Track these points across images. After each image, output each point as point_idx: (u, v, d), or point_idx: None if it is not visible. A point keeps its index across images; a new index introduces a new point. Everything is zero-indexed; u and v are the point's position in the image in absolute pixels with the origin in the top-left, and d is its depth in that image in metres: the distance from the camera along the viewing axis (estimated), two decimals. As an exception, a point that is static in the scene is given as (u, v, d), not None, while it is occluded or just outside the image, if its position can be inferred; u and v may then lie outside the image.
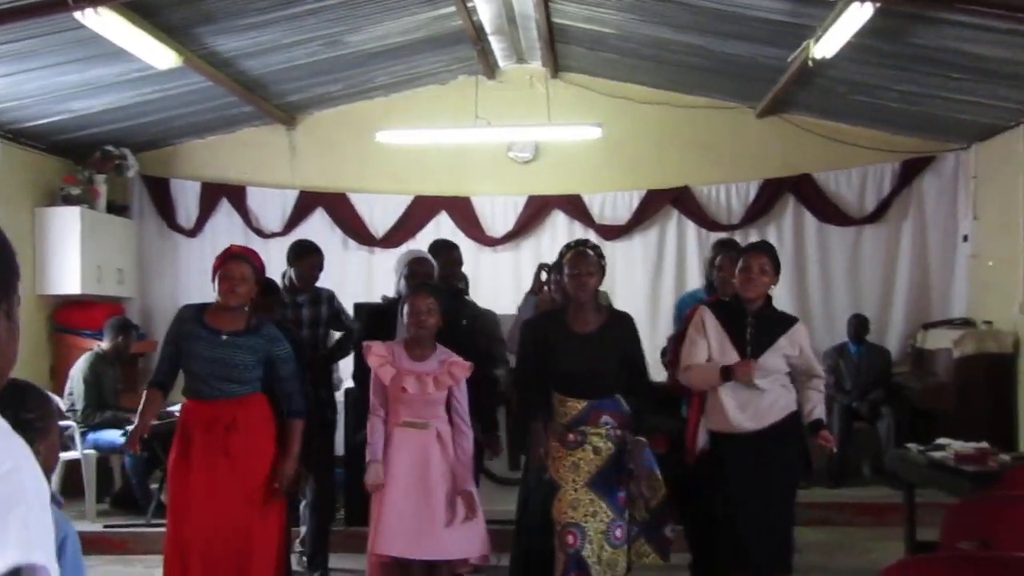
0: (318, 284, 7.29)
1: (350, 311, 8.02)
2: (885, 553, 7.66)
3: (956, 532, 4.07)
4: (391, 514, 5.37)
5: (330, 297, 7.25)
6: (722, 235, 9.83)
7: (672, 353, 6.45)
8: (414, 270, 6.29)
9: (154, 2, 7.13)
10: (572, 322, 5.50)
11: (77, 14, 6.53)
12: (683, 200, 10.82)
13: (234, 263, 5.48)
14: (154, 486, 8.63)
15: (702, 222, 10.78)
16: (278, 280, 7.02)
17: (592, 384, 5.45)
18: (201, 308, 5.63)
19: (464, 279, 7.66)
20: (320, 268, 7.24)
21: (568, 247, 5.56)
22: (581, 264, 5.39)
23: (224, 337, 5.46)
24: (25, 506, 1.53)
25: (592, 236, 10.71)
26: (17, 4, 6.55)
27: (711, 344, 5.48)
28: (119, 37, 7.12)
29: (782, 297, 10.38)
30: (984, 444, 6.68)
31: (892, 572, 2.92)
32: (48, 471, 2.64)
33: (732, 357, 5.40)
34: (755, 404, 5.39)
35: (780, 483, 5.46)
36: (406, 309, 5.51)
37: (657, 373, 8.60)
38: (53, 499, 2.64)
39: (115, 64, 7.93)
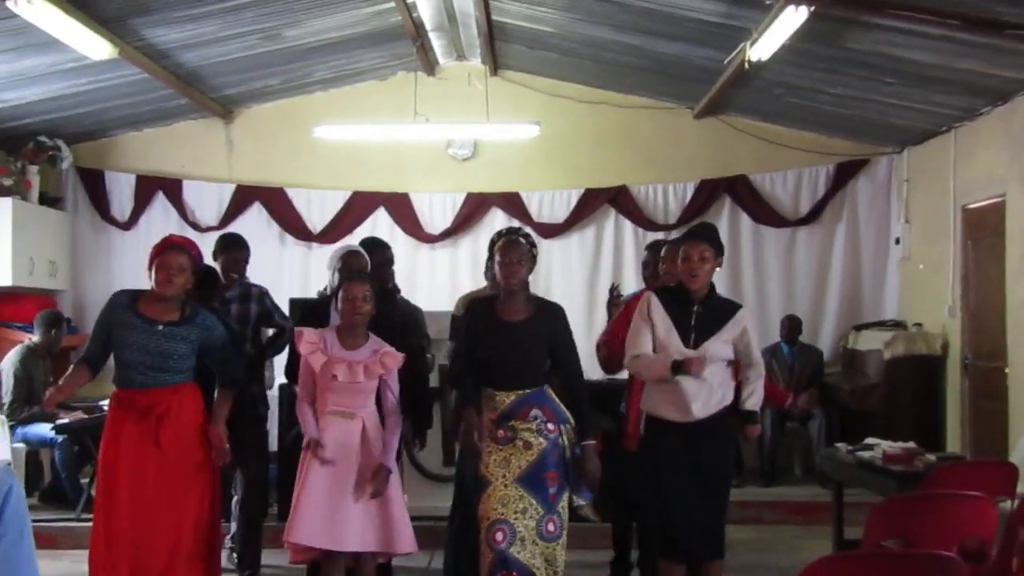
0: (252, 281, 7.22)
1: (285, 306, 7.97)
2: (814, 551, 7.73)
3: (879, 530, 4.14)
4: (308, 503, 5.34)
5: (261, 295, 7.12)
6: (659, 235, 9.97)
7: (609, 335, 6.48)
8: (348, 263, 6.27)
9: (89, -7, 7.07)
10: (501, 311, 5.49)
11: (9, 3, 6.43)
12: (620, 199, 10.89)
13: (171, 253, 5.43)
14: (84, 480, 8.54)
15: (639, 221, 10.86)
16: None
17: (520, 375, 5.44)
18: (135, 296, 5.55)
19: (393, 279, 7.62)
20: (245, 262, 7.13)
21: (500, 234, 5.52)
22: (512, 252, 5.37)
23: (160, 328, 5.41)
24: None
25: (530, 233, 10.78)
26: (-52, -7, 6.47)
27: (657, 329, 5.45)
28: (52, 27, 7.01)
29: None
30: (911, 444, 6.80)
31: (814, 569, 2.96)
32: None
33: (677, 343, 5.39)
34: (704, 393, 5.42)
35: (715, 472, 5.48)
36: (340, 295, 5.47)
37: (592, 371, 8.69)
38: None
39: (49, 54, 7.83)
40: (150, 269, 5.45)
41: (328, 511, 5.33)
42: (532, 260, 5.48)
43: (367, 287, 5.47)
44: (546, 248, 10.80)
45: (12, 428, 8.73)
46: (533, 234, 6.97)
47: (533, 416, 5.39)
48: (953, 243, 9.51)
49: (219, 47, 8.82)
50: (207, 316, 5.62)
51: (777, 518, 8.84)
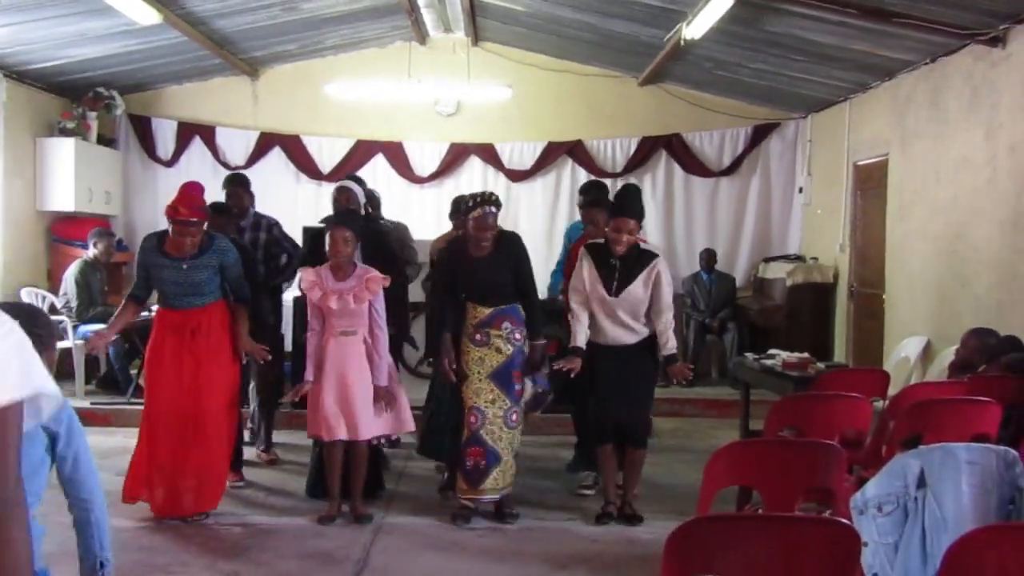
0: (264, 213, 7.17)
1: (299, 234, 7.93)
2: (724, 439, 7.82)
3: (777, 422, 4.21)
4: (321, 406, 5.45)
5: (270, 225, 7.05)
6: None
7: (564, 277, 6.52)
8: (336, 196, 6.28)
9: (139, -33, 6.91)
10: (473, 249, 5.55)
11: (72, -26, 6.32)
12: (576, 151, 10.85)
13: (184, 227, 5.37)
14: (133, 371, 8.53)
15: (591, 169, 10.80)
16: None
17: (493, 293, 5.52)
18: (161, 237, 5.56)
19: (373, 201, 7.56)
20: (245, 197, 7.04)
21: (475, 202, 5.47)
22: (484, 222, 5.43)
23: (185, 265, 5.45)
24: (28, 353, 1.64)
25: (502, 178, 10.77)
26: (20, -37, 6.33)
27: (585, 280, 5.53)
28: (108, -4, 6.90)
29: (653, 233, 10.59)
30: (806, 355, 6.86)
31: (722, 453, 3.01)
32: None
33: (600, 291, 5.47)
34: (622, 330, 5.50)
35: (638, 379, 5.58)
36: (327, 238, 5.49)
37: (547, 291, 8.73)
38: None
39: (105, 18, 7.68)
40: (169, 221, 5.41)
41: (337, 410, 5.43)
42: (496, 223, 5.50)
43: (347, 231, 5.44)
44: (515, 191, 10.80)
45: (75, 327, 8.70)
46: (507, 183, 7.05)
47: (504, 326, 5.49)
48: (845, 193, 9.55)
49: (247, 16, 8.66)
50: (221, 240, 5.63)
51: (696, 412, 8.94)
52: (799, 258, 10.39)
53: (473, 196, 5.59)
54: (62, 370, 8.87)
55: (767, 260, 10.66)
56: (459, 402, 5.56)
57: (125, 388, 8.48)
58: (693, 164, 10.83)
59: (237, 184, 7.08)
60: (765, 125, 10.78)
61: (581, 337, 5.51)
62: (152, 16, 7.55)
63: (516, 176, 10.81)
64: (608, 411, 5.53)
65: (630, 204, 5.59)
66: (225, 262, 5.56)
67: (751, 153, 10.85)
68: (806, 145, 10.64)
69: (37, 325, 2.89)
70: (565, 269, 6.66)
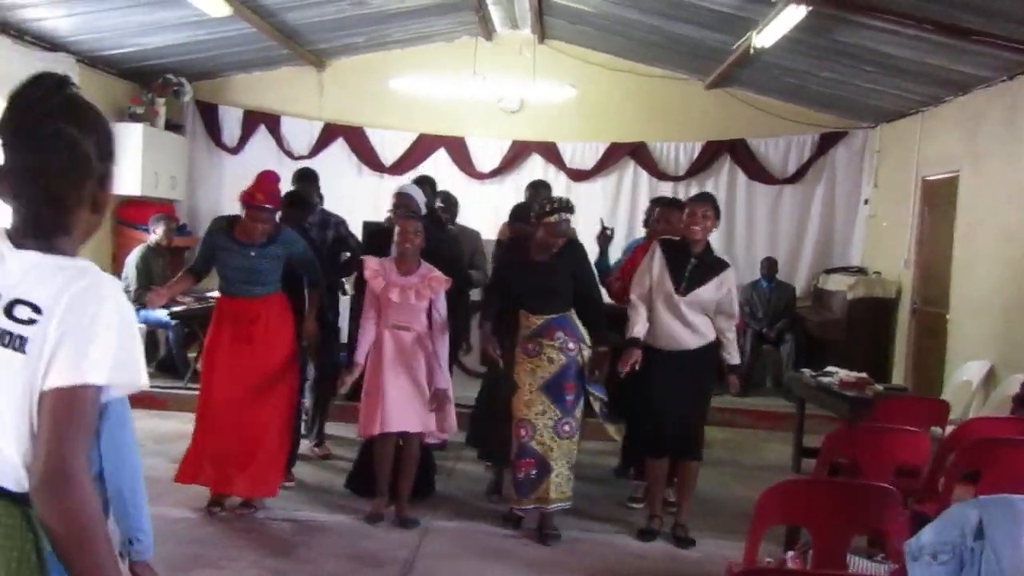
0: (331, 210, 7.21)
1: (359, 227, 7.97)
2: (777, 453, 7.82)
3: (831, 453, 4.14)
4: (373, 398, 5.46)
5: (338, 223, 7.08)
6: (666, 189, 9.94)
7: (620, 272, 6.44)
8: (399, 203, 6.26)
9: (211, -40, 6.98)
10: (535, 251, 5.50)
11: (145, -33, 6.40)
12: (639, 153, 10.76)
13: (258, 211, 5.39)
14: (191, 355, 8.64)
15: (653, 172, 10.73)
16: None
17: (547, 302, 5.46)
18: (231, 221, 5.57)
19: (453, 208, 7.58)
20: (312, 192, 7.07)
21: (552, 207, 5.43)
22: (558, 230, 5.38)
23: (252, 253, 5.46)
24: (135, 339, 1.66)
25: (563, 177, 10.72)
26: (96, -45, 6.42)
27: (654, 274, 5.43)
28: (180, -12, 6.98)
29: (714, 240, 10.43)
30: (863, 375, 6.75)
31: (772, 492, 2.95)
32: None
33: (669, 288, 5.37)
34: (687, 332, 5.42)
35: (697, 389, 5.50)
36: (396, 230, 5.50)
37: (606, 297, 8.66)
38: None
39: (176, 9, 7.76)
40: (241, 206, 5.44)
41: (392, 402, 5.43)
42: (569, 230, 5.47)
43: (418, 224, 5.49)
44: (575, 190, 10.73)
45: (136, 311, 8.81)
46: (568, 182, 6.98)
47: (557, 336, 5.42)
48: (912, 207, 9.36)
49: (315, 9, 8.72)
50: (290, 233, 5.66)
51: (748, 423, 8.84)
52: (861, 271, 10.20)
53: (550, 200, 5.54)
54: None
55: (828, 271, 10.48)
56: (504, 404, 5.54)
57: (183, 373, 8.61)
58: (757, 170, 10.69)
59: (307, 180, 7.11)
60: (832, 133, 10.60)
61: (640, 327, 5.40)
62: (222, 8, 7.63)
63: (577, 176, 10.75)
64: (663, 423, 5.44)
65: (706, 195, 5.68)
66: (294, 252, 5.61)
67: (817, 161, 10.67)
68: (874, 156, 10.45)
69: None
70: (623, 268, 6.55)
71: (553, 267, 5.44)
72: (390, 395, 5.42)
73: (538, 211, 5.49)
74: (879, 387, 6.59)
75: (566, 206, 5.43)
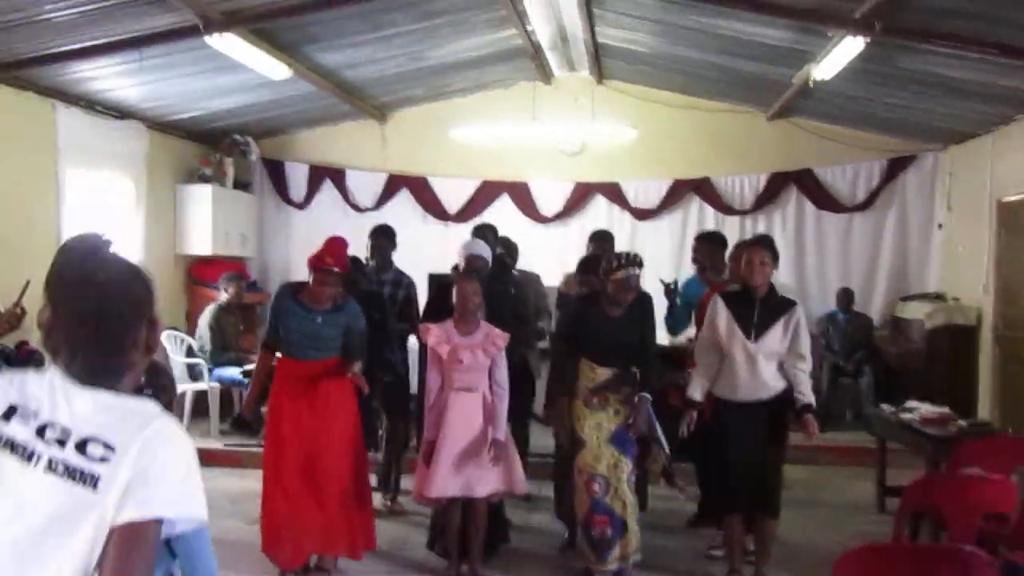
0: (405, 271, 7.26)
1: (425, 280, 8.03)
2: (860, 491, 7.59)
3: (912, 504, 4.00)
4: (438, 465, 5.41)
5: (409, 284, 7.19)
6: (733, 223, 9.84)
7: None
8: (470, 263, 6.28)
9: (270, 26, 7.10)
10: (605, 306, 5.47)
11: (207, 38, 6.54)
12: (703, 188, 10.64)
13: (325, 275, 5.45)
14: (265, 409, 8.71)
15: (719, 207, 10.60)
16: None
17: (615, 357, 5.43)
18: (296, 288, 5.67)
19: (513, 253, 7.61)
20: (387, 247, 7.20)
21: (620, 263, 5.39)
22: (628, 285, 5.36)
23: (317, 319, 5.51)
24: (194, 471, 1.78)
25: (627, 217, 10.66)
26: (161, 30, 6.59)
27: (721, 328, 5.34)
28: (242, 56, 7.12)
29: (784, 272, 10.30)
30: (946, 410, 6.54)
31: (849, 558, 2.84)
32: None
33: (740, 338, 5.28)
34: (756, 383, 5.31)
35: (771, 442, 5.37)
36: (455, 292, 5.51)
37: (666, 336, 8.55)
38: None
39: (239, 73, 7.91)
40: (309, 271, 5.51)
41: (456, 467, 5.39)
42: (639, 282, 5.42)
43: (475, 284, 5.50)
44: (640, 229, 10.69)
45: (210, 370, 8.97)
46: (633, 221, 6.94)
47: (623, 390, 5.38)
48: (989, 230, 9.08)
49: (374, 66, 8.84)
50: (354, 307, 5.68)
51: (829, 460, 8.58)
52: (939, 297, 9.92)
53: (618, 256, 5.50)
54: (197, 411, 9.18)
55: (905, 299, 10.22)
56: (569, 461, 5.47)
57: (257, 429, 8.67)
58: (825, 199, 10.50)
59: (382, 235, 7.22)
60: (900, 158, 10.36)
61: (699, 391, 5.36)
62: (283, 71, 7.77)
63: (642, 215, 10.68)
64: (737, 478, 5.32)
65: (765, 239, 5.60)
66: (353, 326, 5.62)
67: (886, 187, 10.43)
68: (945, 178, 10.19)
69: (158, 375, 3.10)
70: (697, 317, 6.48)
71: (623, 322, 5.41)
72: (450, 460, 5.39)
73: (606, 267, 5.46)
74: (962, 423, 6.36)
75: (634, 261, 5.39)
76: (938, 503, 3.96)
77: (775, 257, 5.43)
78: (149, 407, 1.79)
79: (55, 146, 7.91)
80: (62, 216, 8.02)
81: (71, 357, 1.78)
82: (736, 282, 5.69)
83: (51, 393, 1.76)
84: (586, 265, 6.37)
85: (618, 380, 5.40)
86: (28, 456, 1.71)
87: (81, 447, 1.70)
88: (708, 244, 7.04)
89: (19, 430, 1.74)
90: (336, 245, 5.58)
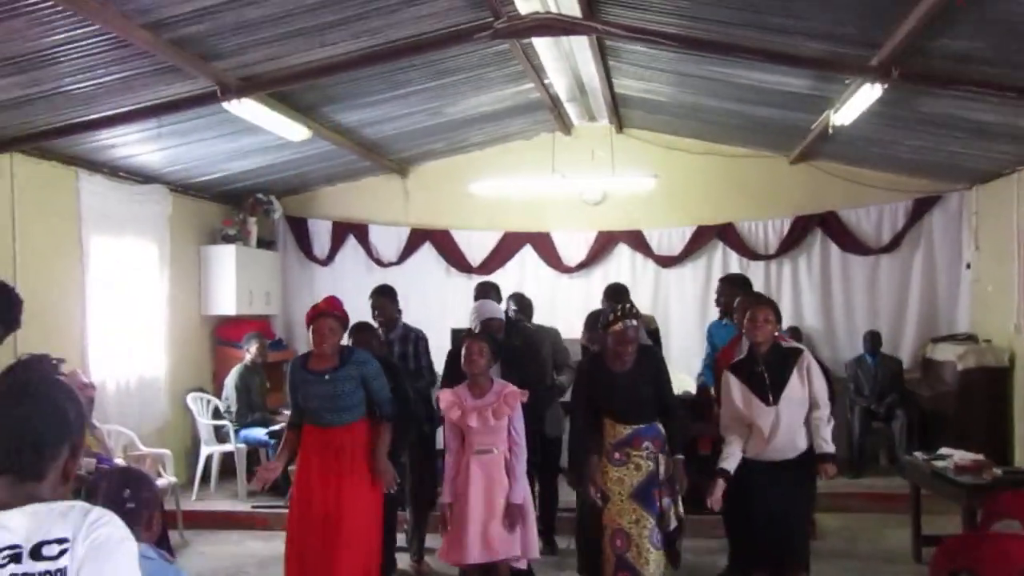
0: (412, 325, 7.28)
1: (447, 335, 8.03)
2: (896, 539, 7.46)
3: (944, 565, 3.90)
4: (459, 529, 5.39)
5: (417, 338, 7.19)
6: (758, 268, 9.79)
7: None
8: (487, 327, 6.28)
9: (288, 90, 7.17)
10: (610, 364, 5.44)
11: (225, 103, 6.61)
12: (727, 234, 10.59)
13: (323, 319, 5.54)
14: (292, 468, 8.68)
15: (743, 252, 10.53)
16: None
17: (632, 413, 5.38)
18: (305, 358, 5.75)
19: (527, 310, 7.62)
20: (389, 306, 7.19)
21: (615, 316, 5.39)
22: (624, 337, 5.32)
23: (327, 377, 5.53)
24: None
25: (651, 264, 10.63)
26: (179, 97, 6.67)
27: (738, 402, 5.32)
28: (260, 119, 7.19)
29: (810, 316, 10.26)
30: (980, 457, 6.42)
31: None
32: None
33: (758, 408, 5.25)
34: (782, 441, 5.25)
35: (796, 499, 5.30)
36: (463, 352, 5.49)
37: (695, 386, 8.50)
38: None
39: (258, 135, 7.99)
40: (308, 330, 5.57)
41: (477, 531, 5.35)
42: (638, 336, 5.39)
43: (483, 344, 5.48)
44: (664, 276, 10.65)
45: (236, 431, 8.98)
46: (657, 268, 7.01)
47: (644, 447, 5.34)
48: (1018, 268, 8.95)
49: (393, 123, 8.90)
50: (360, 354, 5.73)
51: (862, 507, 8.48)
52: (970, 338, 9.77)
53: (612, 309, 5.51)
54: (224, 472, 9.18)
55: (935, 340, 10.08)
56: (596, 520, 5.41)
57: (285, 489, 8.64)
58: (850, 242, 10.41)
59: (383, 295, 7.20)
60: (926, 198, 10.27)
61: (732, 463, 5.30)
62: (302, 132, 7.83)
63: (666, 262, 10.63)
64: (762, 535, 5.25)
65: (768, 300, 5.69)
66: (366, 373, 5.61)
67: (913, 228, 10.32)
68: (972, 218, 10.07)
69: (140, 488, 3.08)
70: (715, 368, 6.46)
71: (632, 377, 5.37)
72: (471, 524, 5.35)
73: (603, 321, 5.47)
74: (997, 471, 6.24)
75: (629, 312, 5.38)
76: (973, 564, 3.86)
77: (778, 316, 5.48)
78: (79, 503, 1.86)
79: (78, 213, 8.01)
80: (87, 283, 8.10)
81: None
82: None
83: None
84: (593, 321, 6.35)
85: (637, 436, 5.34)
86: None
87: (36, 553, 1.75)
88: (731, 286, 7.06)
89: None
90: (331, 299, 5.76)
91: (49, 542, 1.76)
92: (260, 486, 5.76)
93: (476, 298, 7.31)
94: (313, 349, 5.59)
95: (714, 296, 10.11)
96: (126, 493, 3.00)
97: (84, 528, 1.78)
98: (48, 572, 1.74)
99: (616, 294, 7.39)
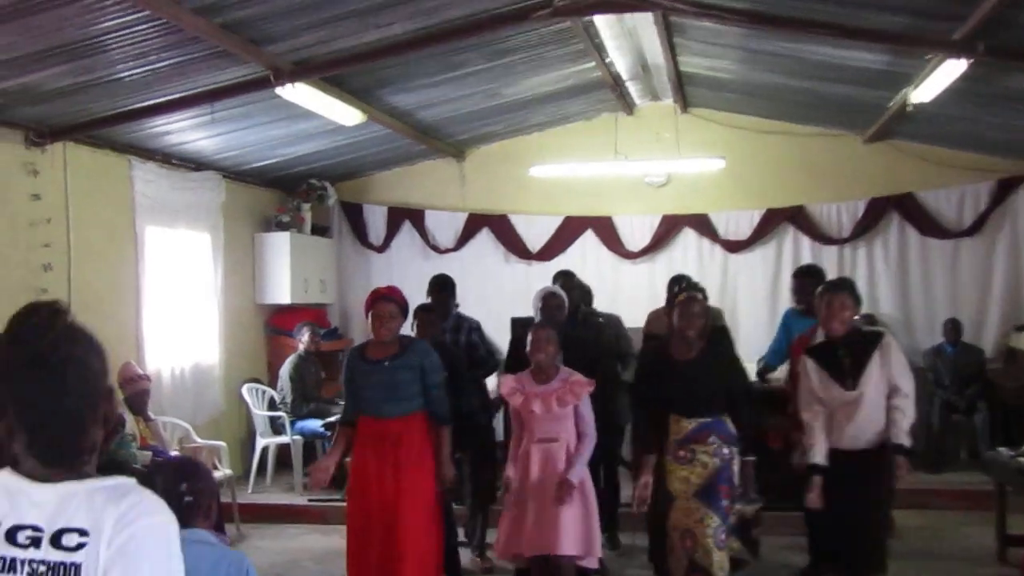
0: (466, 315, 7.28)
1: (507, 325, 8.01)
2: (979, 538, 7.31)
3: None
4: (519, 520, 5.35)
5: (470, 328, 7.16)
6: (831, 254, 9.63)
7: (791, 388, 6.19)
8: (546, 303, 6.26)
9: (341, 74, 7.18)
10: (675, 351, 5.34)
11: (278, 88, 6.64)
12: (798, 217, 10.40)
13: (382, 303, 5.52)
14: (348, 459, 8.73)
15: (815, 236, 10.33)
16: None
17: (698, 406, 5.27)
18: (362, 347, 5.74)
19: (587, 296, 7.55)
20: (447, 301, 7.15)
21: (678, 285, 5.34)
22: (691, 307, 5.23)
23: (386, 364, 5.51)
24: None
25: (718, 250, 10.50)
26: (232, 82, 6.72)
27: (816, 387, 5.22)
28: (313, 104, 7.21)
29: (886, 303, 10.05)
30: (1070, 452, 6.25)
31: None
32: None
33: (837, 393, 5.14)
34: (861, 429, 5.14)
35: (870, 493, 5.19)
36: (528, 340, 5.45)
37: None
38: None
39: (312, 120, 8.01)
40: (367, 317, 5.55)
41: (536, 523, 5.30)
42: (706, 312, 5.30)
43: (549, 331, 5.44)
44: (731, 262, 10.50)
45: (292, 423, 9.06)
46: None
47: (711, 441, 5.22)
48: (1109, 252, 8.71)
49: (450, 105, 8.89)
50: (421, 343, 5.71)
51: (943, 504, 8.29)
52: (1059, 326, 9.52)
53: (676, 281, 5.45)
54: (280, 465, 9.27)
55: (1020, 329, 9.81)
56: (660, 517, 5.34)
57: (341, 483, 8.68)
58: (930, 225, 10.16)
59: (440, 289, 7.19)
60: (1011, 179, 9.97)
61: (821, 455, 5.19)
62: (356, 116, 7.85)
63: (733, 247, 10.49)
64: (838, 533, 5.16)
65: (844, 283, 5.49)
66: (426, 365, 5.58)
67: (996, 210, 10.02)
68: (1060, 199, 9.80)
69: (197, 478, 3.09)
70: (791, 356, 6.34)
71: (699, 366, 5.26)
72: (528, 515, 5.32)
73: (668, 297, 5.39)
74: (1089, 468, 6.07)
75: (695, 285, 5.32)
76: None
77: (857, 301, 5.33)
78: (123, 482, 1.74)
79: (132, 201, 8.12)
80: (141, 273, 8.22)
81: (28, 446, 1.73)
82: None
83: (8, 496, 1.72)
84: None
85: (704, 431, 5.23)
86: (8, 567, 1.68)
87: (56, 541, 1.67)
88: (803, 280, 6.94)
89: None
90: (390, 287, 5.73)
91: (70, 530, 1.67)
92: (315, 487, 5.78)
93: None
94: (372, 337, 5.57)
95: (786, 284, 10.12)
96: (183, 486, 3.02)
97: (112, 523, 1.66)
98: (62, 565, 1.65)
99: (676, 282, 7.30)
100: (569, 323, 6.44)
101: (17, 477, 1.73)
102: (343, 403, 6.04)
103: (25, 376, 1.73)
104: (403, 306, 5.68)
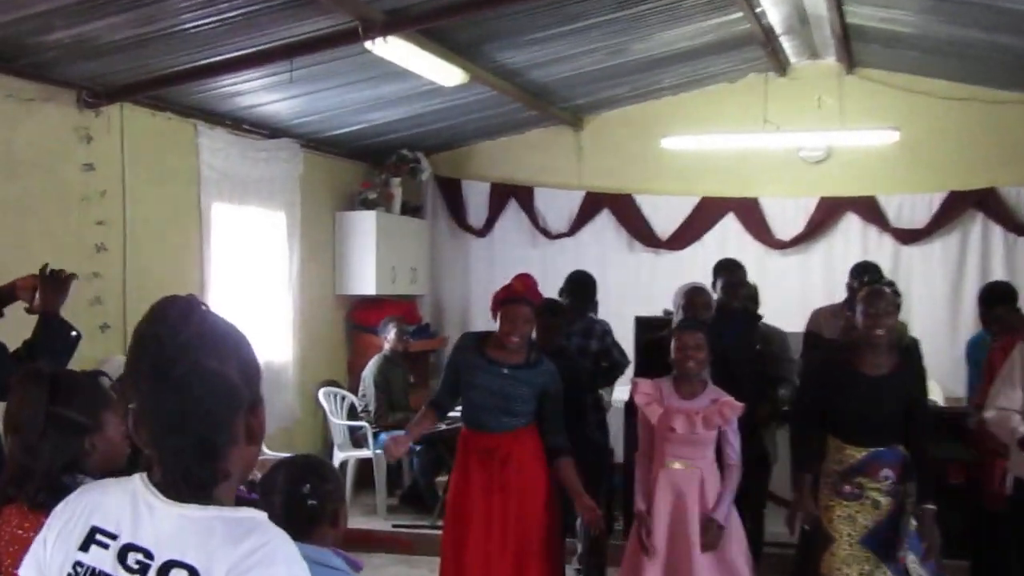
0: (598, 316, 7.25)
1: (630, 324, 7.95)
2: None
3: None
4: (646, 553, 5.29)
5: (602, 333, 7.16)
6: None
7: (981, 393, 5.97)
8: (692, 300, 6.16)
9: (441, 26, 7.20)
10: (862, 362, 5.16)
11: (367, 43, 6.68)
12: (988, 202, 10.07)
13: (517, 307, 5.47)
14: (441, 479, 8.79)
15: (1009, 226, 9.99)
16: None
17: (876, 432, 5.11)
18: (482, 337, 5.71)
19: (754, 298, 7.42)
20: (587, 304, 7.24)
21: (862, 279, 5.20)
22: (878, 302, 5.05)
23: (506, 371, 5.50)
24: None
25: (887, 240, 10.27)
26: (313, 35, 6.78)
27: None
28: (408, 61, 7.26)
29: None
30: None
31: None
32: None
33: None
34: None
35: None
36: (674, 345, 5.35)
37: (956, 385, 8.15)
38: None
39: (405, 80, 8.07)
40: (495, 315, 5.54)
41: (665, 562, 5.24)
42: (897, 310, 5.13)
43: (699, 335, 5.32)
44: (905, 255, 10.25)
45: (375, 435, 9.15)
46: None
47: (884, 476, 5.07)
48: None
49: (567, 64, 8.85)
50: (549, 363, 5.64)
51: None
52: None
53: (860, 269, 5.30)
54: (361, 481, 9.37)
55: None
56: (814, 561, 5.22)
57: (431, 505, 8.78)
58: None
59: (579, 289, 7.33)
60: None
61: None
62: (457, 76, 7.87)
63: (906, 237, 10.24)
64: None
65: None
66: (548, 387, 5.58)
67: None
68: None
69: (324, 479, 3.11)
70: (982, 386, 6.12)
71: (888, 388, 5.09)
72: (656, 552, 5.26)
73: (849, 295, 5.26)
74: None
75: (882, 278, 5.18)
76: None
77: None
78: (248, 517, 1.72)
79: (197, 173, 8.28)
80: (207, 252, 8.39)
81: (157, 462, 1.76)
82: None
83: (133, 507, 1.74)
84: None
85: (875, 462, 5.09)
86: None
87: (163, 572, 1.68)
88: (992, 307, 6.70)
89: (101, 558, 1.74)
90: (524, 277, 5.68)
91: (180, 566, 1.66)
92: (391, 458, 5.83)
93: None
94: (498, 335, 5.54)
95: (972, 282, 9.84)
96: (306, 488, 3.02)
97: (224, 570, 1.63)
98: None
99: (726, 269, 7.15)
100: (729, 330, 6.30)
101: (145, 487, 1.76)
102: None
103: (147, 388, 1.74)
104: (538, 306, 5.68)
